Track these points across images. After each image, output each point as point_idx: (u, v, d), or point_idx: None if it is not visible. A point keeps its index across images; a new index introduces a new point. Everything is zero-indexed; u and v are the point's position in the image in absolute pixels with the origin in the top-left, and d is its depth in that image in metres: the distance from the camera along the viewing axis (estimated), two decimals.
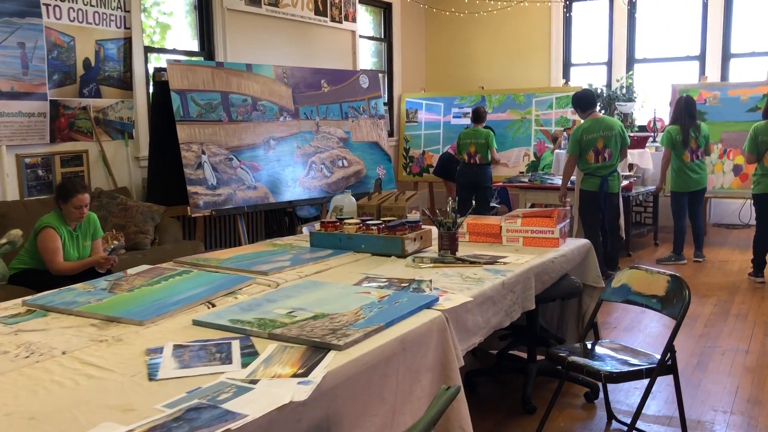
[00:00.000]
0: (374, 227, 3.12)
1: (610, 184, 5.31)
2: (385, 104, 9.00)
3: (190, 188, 5.02)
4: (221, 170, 5.25)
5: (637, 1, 8.45)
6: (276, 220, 6.33)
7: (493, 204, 8.01)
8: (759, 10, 7.83)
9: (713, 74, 7.93)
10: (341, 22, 7.91)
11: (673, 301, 2.59)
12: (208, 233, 5.75)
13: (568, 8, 8.80)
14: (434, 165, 8.44)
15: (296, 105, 5.90)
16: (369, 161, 6.40)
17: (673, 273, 2.69)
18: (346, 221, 3.24)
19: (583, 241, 3.42)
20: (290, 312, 2.11)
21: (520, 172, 8.12)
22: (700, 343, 4.04)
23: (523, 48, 9.10)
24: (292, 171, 5.77)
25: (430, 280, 2.55)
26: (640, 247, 6.85)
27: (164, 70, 5.14)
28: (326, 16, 7.65)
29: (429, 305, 2.20)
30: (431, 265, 2.85)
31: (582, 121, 5.43)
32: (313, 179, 5.91)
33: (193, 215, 5.03)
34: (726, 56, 8.01)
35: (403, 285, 2.47)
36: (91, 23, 5.14)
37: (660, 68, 8.52)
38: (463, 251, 3.03)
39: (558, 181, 6.02)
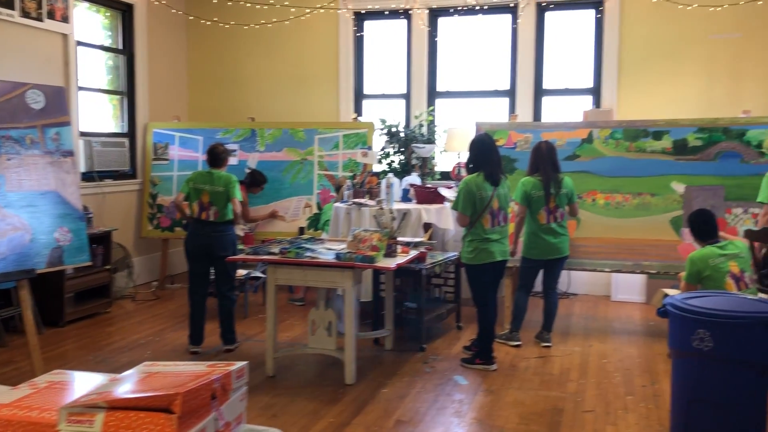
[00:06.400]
0: None
1: None
2: (111, 135, 6.76)
3: None
4: None
5: (438, 23, 7.02)
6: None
7: (258, 273, 6.00)
8: (570, 44, 6.69)
9: (524, 113, 6.63)
10: (42, 21, 5.63)
11: None
12: None
13: (358, 26, 7.17)
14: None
15: None
16: (41, 222, 4.17)
17: None
18: None
19: None
20: None
21: (300, 228, 6.25)
22: None
23: (307, 72, 7.31)
24: None
25: None
26: (437, 334, 5.17)
27: None
28: (12, 9, 5.35)
29: None
30: None
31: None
32: None
33: None
34: (539, 92, 6.76)
35: None
36: None
37: (465, 104, 7.10)
38: None
39: (327, 255, 4.14)
